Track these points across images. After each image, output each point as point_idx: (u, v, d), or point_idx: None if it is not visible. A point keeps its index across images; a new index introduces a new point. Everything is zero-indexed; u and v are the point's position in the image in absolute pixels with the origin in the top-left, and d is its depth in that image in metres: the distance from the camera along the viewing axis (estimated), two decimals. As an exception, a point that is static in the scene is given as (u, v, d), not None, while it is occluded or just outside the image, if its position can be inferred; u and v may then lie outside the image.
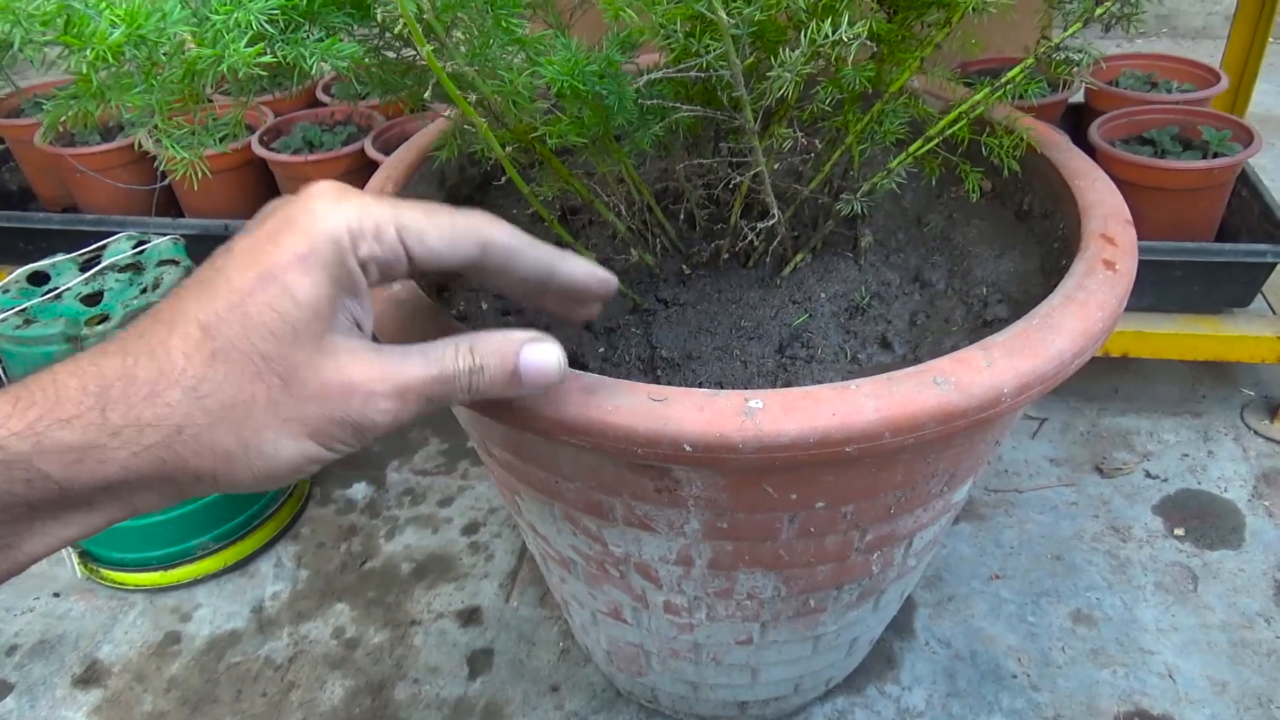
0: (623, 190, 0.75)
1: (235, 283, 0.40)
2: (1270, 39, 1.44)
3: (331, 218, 0.41)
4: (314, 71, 0.55)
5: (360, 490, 1.30)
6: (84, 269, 1.13)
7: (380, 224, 0.42)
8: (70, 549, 1.20)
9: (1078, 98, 1.44)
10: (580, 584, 0.82)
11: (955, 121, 0.72)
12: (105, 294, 1.08)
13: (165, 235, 1.17)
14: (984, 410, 0.57)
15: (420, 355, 0.44)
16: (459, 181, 0.90)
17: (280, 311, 0.40)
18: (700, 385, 0.70)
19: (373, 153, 1.35)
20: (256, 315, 0.39)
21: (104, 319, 1.04)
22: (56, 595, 1.18)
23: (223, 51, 0.50)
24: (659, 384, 0.71)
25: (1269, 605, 1.06)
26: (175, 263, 1.12)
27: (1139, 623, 1.05)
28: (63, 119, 0.50)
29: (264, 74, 0.50)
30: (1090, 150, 1.21)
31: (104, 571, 1.18)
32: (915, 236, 0.85)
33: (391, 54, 0.60)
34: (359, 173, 1.39)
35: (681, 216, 0.81)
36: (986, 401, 0.56)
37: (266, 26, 0.51)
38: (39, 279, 1.12)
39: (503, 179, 0.65)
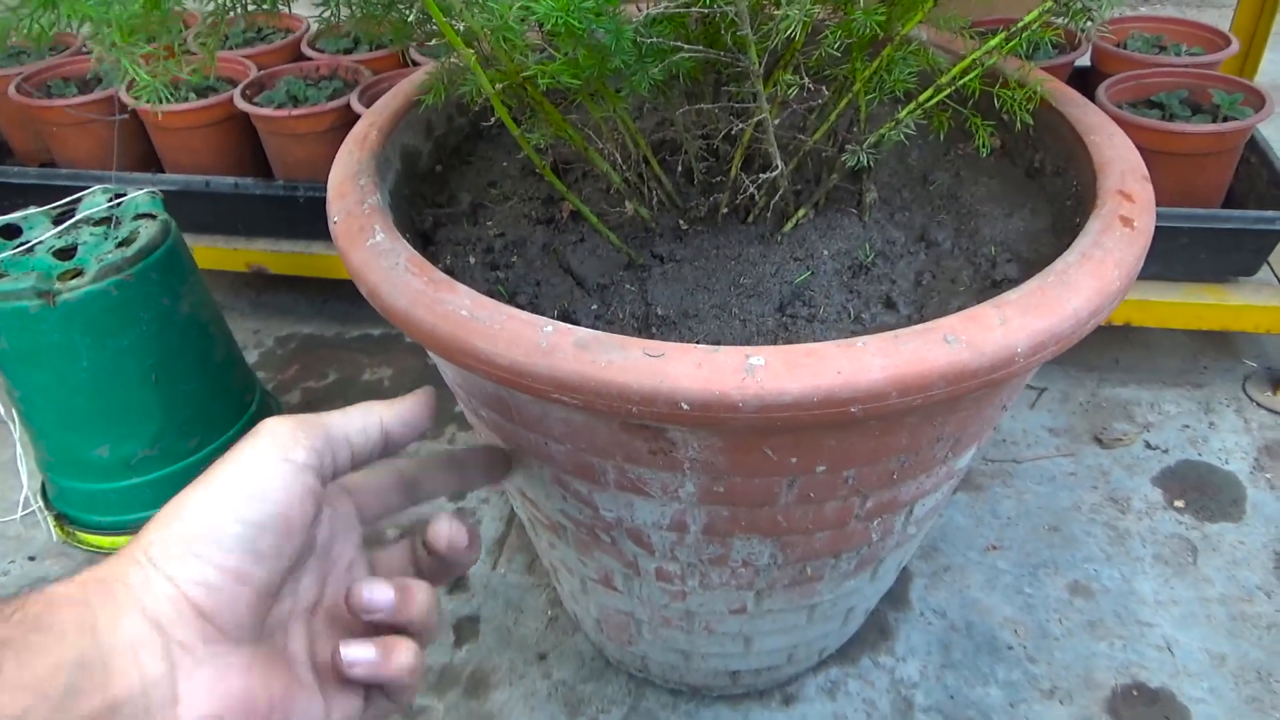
0: (618, 140, 0.72)
1: None
2: (1280, 5, 1.40)
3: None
4: (287, 6, 0.51)
5: (345, 454, 1.27)
6: (57, 222, 1.09)
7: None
8: (47, 511, 1.17)
9: (1084, 60, 1.40)
10: (570, 550, 0.80)
11: (968, 70, 0.69)
12: (79, 248, 1.04)
13: (142, 189, 1.13)
14: (996, 370, 0.54)
15: None
16: (447, 131, 0.87)
17: None
18: (697, 344, 0.67)
19: (358, 108, 1.31)
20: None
21: (77, 273, 1.00)
22: (32, 559, 1.16)
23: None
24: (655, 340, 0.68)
25: (1269, 578, 1.04)
26: (152, 216, 1.08)
27: (1137, 595, 1.03)
28: (11, 32, 0.46)
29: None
30: (1097, 113, 1.17)
31: (80, 534, 1.15)
32: (921, 194, 0.82)
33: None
34: (344, 129, 1.33)
35: (679, 169, 0.78)
36: (999, 361, 0.54)
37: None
38: (10, 232, 1.08)
39: (493, 119, 0.62)
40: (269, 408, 1.25)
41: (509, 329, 0.56)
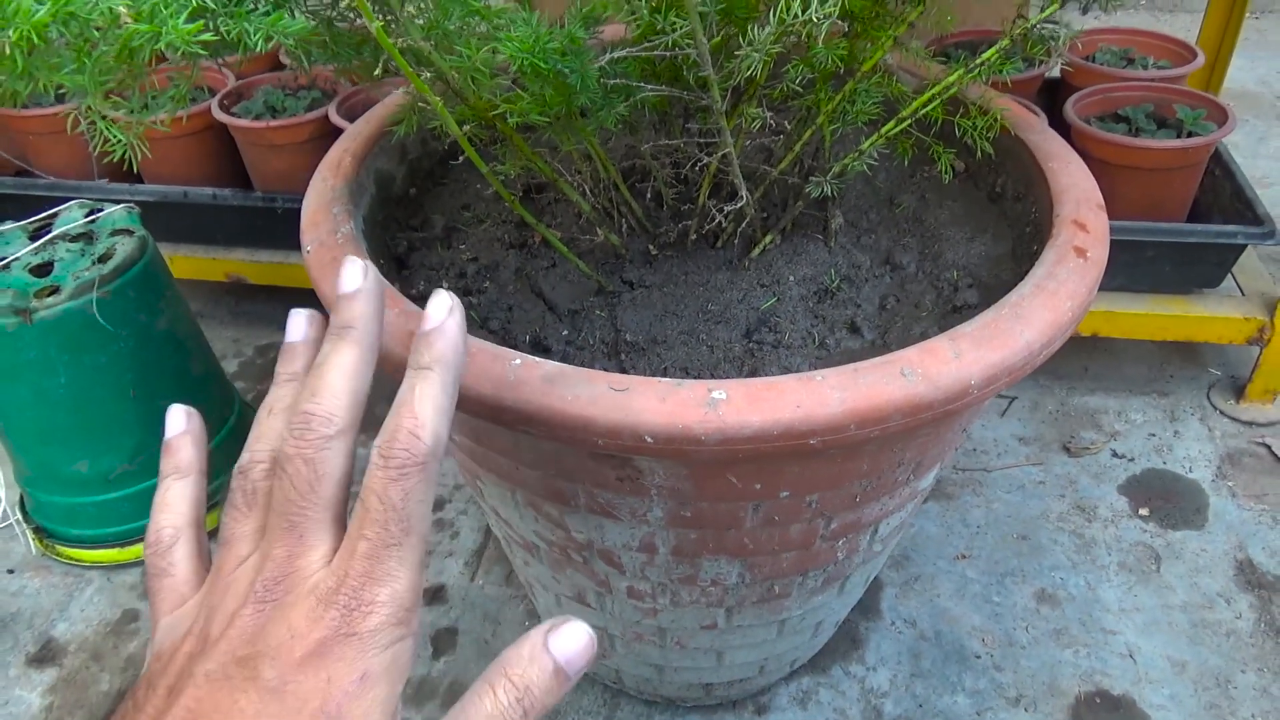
0: (588, 168, 0.73)
1: None
2: (1248, 14, 1.43)
3: None
4: (259, 49, 0.52)
5: (324, 465, 1.28)
6: (34, 238, 1.09)
7: None
8: (26, 524, 1.17)
9: (1054, 72, 1.42)
10: (544, 568, 0.81)
11: (929, 102, 0.71)
12: (55, 264, 1.04)
13: (120, 203, 1.14)
14: (951, 402, 0.56)
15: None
16: (421, 155, 0.88)
17: None
18: (665, 370, 0.69)
19: (337, 119, 1.31)
20: None
21: (54, 290, 1.01)
22: (10, 572, 1.16)
23: (160, 28, 0.47)
24: (624, 368, 0.70)
25: (1229, 586, 1.07)
26: (129, 233, 1.09)
27: (1102, 603, 1.06)
28: (-12, 93, 0.47)
29: (204, 52, 0.47)
30: (1065, 127, 1.20)
31: (60, 548, 1.16)
32: (887, 217, 0.84)
33: (343, 24, 0.57)
34: (322, 140, 1.35)
35: (649, 195, 0.79)
36: (954, 393, 0.55)
37: (209, 2, 0.48)
38: (-14, 248, 1.08)
39: (462, 157, 0.63)
40: (248, 420, 1.25)
41: (477, 362, 0.57)
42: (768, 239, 0.76)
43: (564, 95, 0.59)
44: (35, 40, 0.43)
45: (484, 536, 1.17)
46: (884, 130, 0.72)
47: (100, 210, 1.12)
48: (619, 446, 0.55)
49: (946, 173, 0.77)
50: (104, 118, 0.49)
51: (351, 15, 0.58)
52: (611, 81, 0.58)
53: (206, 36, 0.48)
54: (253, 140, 1.38)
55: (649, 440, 0.54)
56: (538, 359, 0.57)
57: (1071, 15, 0.71)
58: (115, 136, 0.49)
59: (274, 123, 1.34)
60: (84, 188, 1.44)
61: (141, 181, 1.48)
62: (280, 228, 1.41)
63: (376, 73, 0.53)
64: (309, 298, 1.66)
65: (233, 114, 1.37)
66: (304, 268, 1.46)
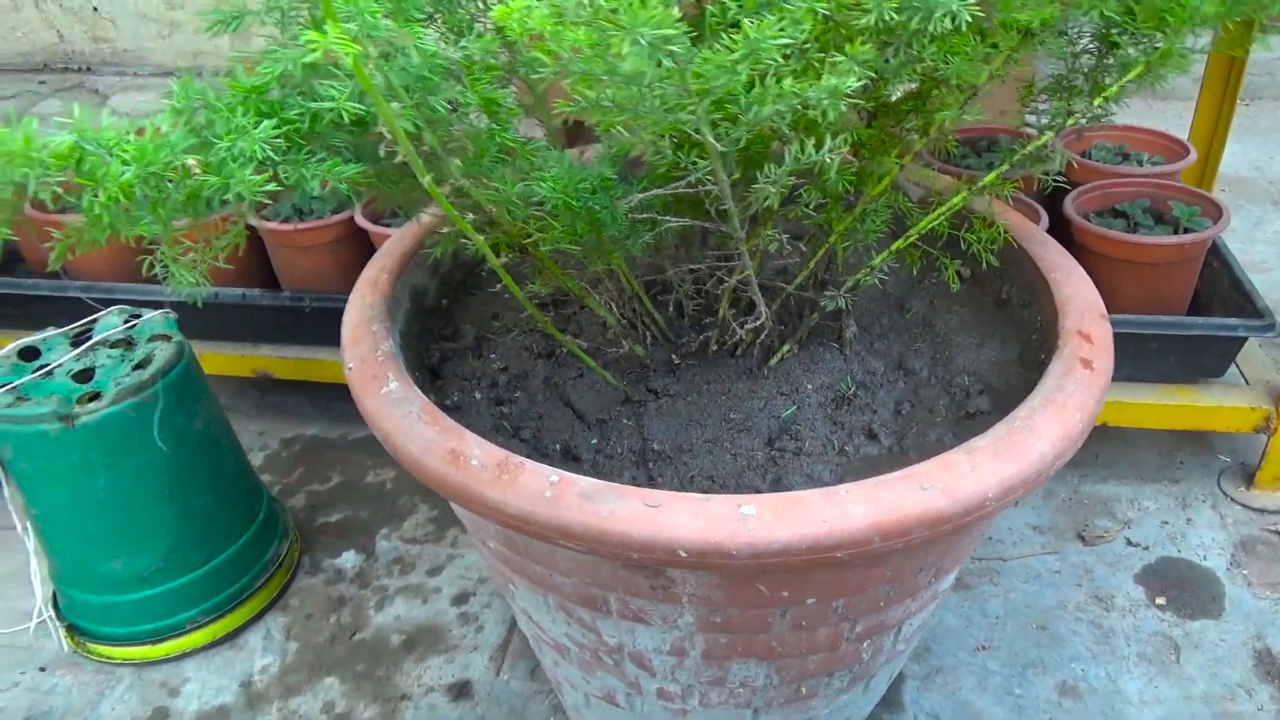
0: (613, 283, 0.77)
1: None
2: (1239, 101, 1.49)
3: None
4: (315, 191, 0.57)
5: (350, 559, 1.30)
6: (75, 343, 1.14)
7: None
8: (58, 622, 1.19)
9: (1053, 168, 1.47)
10: (574, 669, 0.83)
11: (935, 219, 0.75)
12: (97, 370, 1.08)
13: (152, 304, 1.18)
14: (969, 514, 0.58)
15: None
16: (452, 268, 0.92)
17: None
18: (692, 479, 0.72)
19: (362, 221, 1.37)
20: None
21: (95, 396, 1.04)
22: (42, 670, 1.18)
23: (228, 179, 0.52)
24: (652, 477, 0.73)
25: (1249, 676, 1.07)
26: (167, 338, 1.13)
27: (1123, 695, 1.06)
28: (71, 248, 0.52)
29: (268, 200, 0.52)
30: (1065, 223, 1.24)
31: (91, 645, 1.17)
32: (898, 322, 0.87)
33: (390, 165, 0.61)
34: (348, 240, 1.41)
35: (670, 307, 0.83)
36: (971, 506, 0.58)
37: (271, 154, 0.53)
38: (29, 354, 1.13)
39: (487, 269, 0.67)
40: (275, 515, 1.28)
41: (517, 480, 0.60)
42: (785, 349, 0.79)
43: (594, 227, 0.63)
44: (122, 199, 0.47)
45: (508, 630, 1.18)
46: (894, 246, 0.76)
47: (139, 316, 1.17)
48: (653, 560, 0.58)
49: (954, 282, 0.81)
50: (175, 260, 0.53)
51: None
52: (639, 217, 0.63)
53: (271, 186, 0.53)
54: (281, 241, 1.43)
55: (682, 554, 0.57)
56: (573, 475, 0.60)
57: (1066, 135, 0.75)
58: (186, 278, 0.54)
59: (301, 225, 1.39)
60: (116, 289, 1.49)
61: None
62: (307, 325, 1.45)
63: (425, 212, 0.58)
64: (334, 391, 1.69)
65: (262, 216, 1.43)
66: (329, 364, 1.49)
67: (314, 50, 0.45)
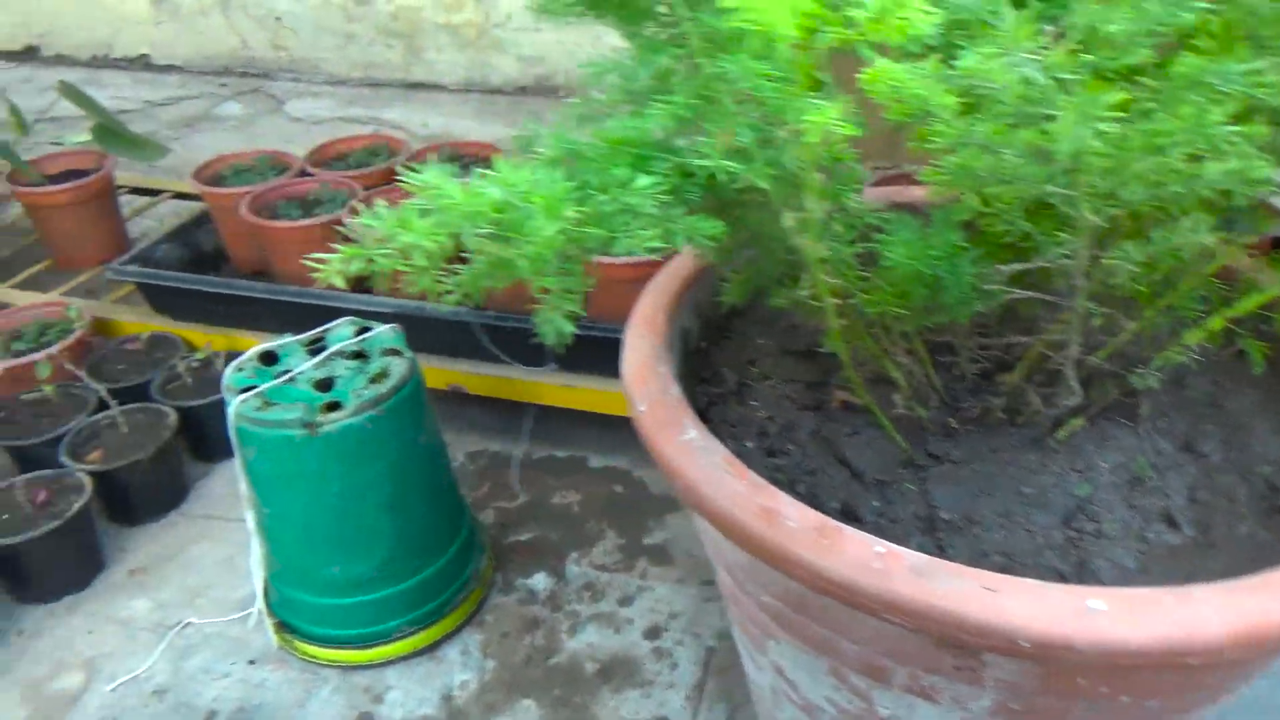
0: (903, 343, 0.76)
1: None
2: None
3: None
4: (679, 248, 0.57)
5: (541, 581, 1.31)
6: (311, 352, 1.18)
7: None
8: (268, 616, 1.23)
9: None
10: (819, 730, 0.81)
11: (1264, 299, 0.71)
12: (335, 380, 1.12)
13: (359, 314, 1.22)
14: (1336, 630, 0.55)
15: None
16: (712, 311, 0.92)
17: None
18: (985, 553, 0.70)
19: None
20: None
21: (335, 406, 1.08)
22: (252, 663, 1.22)
23: (619, 233, 0.52)
24: (941, 546, 0.71)
25: None
26: (398, 353, 1.16)
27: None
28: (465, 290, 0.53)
29: (653, 255, 0.52)
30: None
31: (299, 644, 1.21)
32: (1178, 399, 0.83)
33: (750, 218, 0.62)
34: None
35: (952, 369, 0.81)
36: (1341, 621, 0.54)
37: (653, 210, 0.53)
38: (269, 358, 1.17)
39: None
40: (475, 531, 1.30)
41: (839, 546, 0.59)
42: (1077, 422, 0.76)
43: (932, 293, 0.62)
44: (547, 257, 0.48)
45: (703, 671, 1.17)
46: (1210, 325, 0.72)
47: (369, 329, 1.21)
48: (987, 645, 0.56)
49: (1259, 367, 0.77)
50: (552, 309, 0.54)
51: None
52: (986, 287, 0.61)
53: (657, 243, 0.53)
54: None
55: (1024, 645, 0.55)
56: (899, 548, 0.59)
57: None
58: (558, 323, 0.54)
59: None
60: (326, 296, 1.55)
61: (371, 291, 1.58)
62: (503, 344, 1.48)
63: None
64: (519, 409, 1.68)
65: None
66: (518, 382, 1.51)
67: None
